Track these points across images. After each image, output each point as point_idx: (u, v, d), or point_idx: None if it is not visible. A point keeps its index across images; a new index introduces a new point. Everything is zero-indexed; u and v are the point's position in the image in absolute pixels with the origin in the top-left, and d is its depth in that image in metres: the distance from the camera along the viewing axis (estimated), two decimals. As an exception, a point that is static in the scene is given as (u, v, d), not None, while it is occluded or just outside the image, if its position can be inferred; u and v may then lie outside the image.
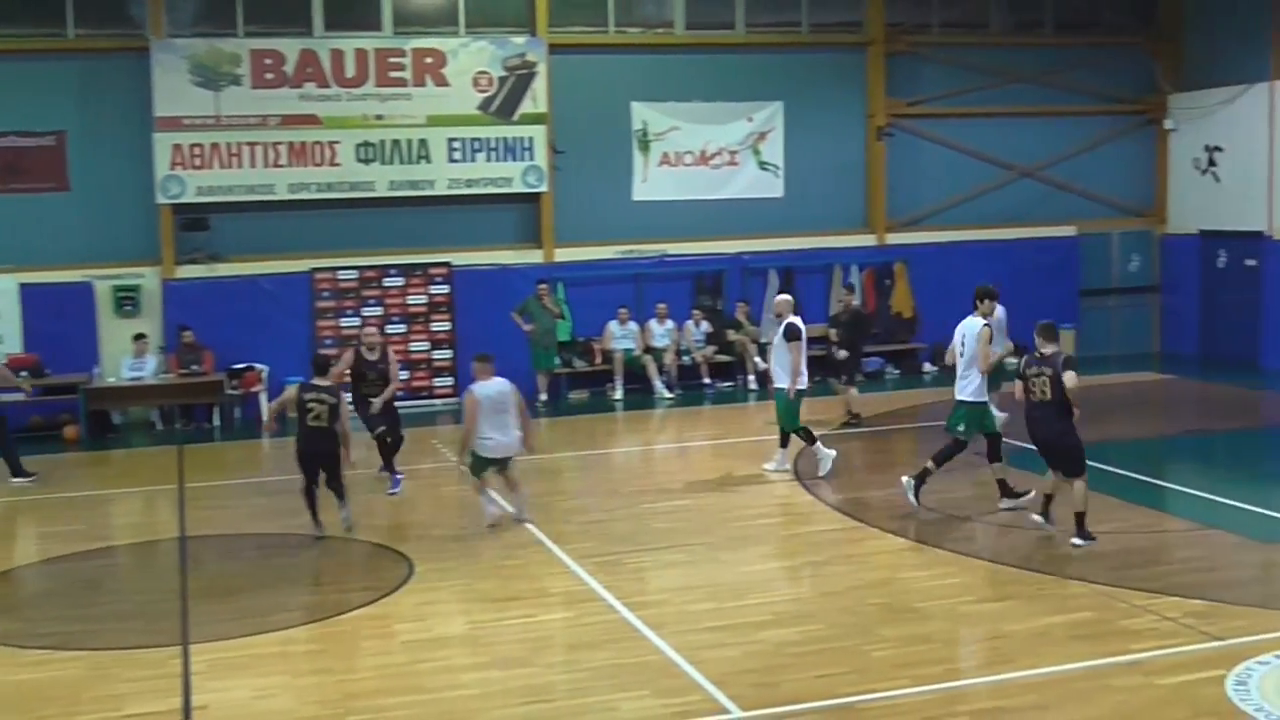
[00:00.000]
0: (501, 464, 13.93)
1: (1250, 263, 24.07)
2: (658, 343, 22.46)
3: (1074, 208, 25.59)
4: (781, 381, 15.68)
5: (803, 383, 15.60)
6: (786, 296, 16.29)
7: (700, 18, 23.48)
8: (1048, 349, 12.60)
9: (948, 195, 24.88)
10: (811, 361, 22.67)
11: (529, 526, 13.68)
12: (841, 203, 24.41)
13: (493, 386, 13.79)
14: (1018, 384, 12.86)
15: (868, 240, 24.48)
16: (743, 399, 22.02)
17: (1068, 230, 25.39)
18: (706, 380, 22.69)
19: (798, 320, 15.67)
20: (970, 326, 13.82)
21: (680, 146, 23.42)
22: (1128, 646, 9.71)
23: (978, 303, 13.93)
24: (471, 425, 13.62)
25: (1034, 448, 12.95)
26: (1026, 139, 25.20)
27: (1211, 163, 24.93)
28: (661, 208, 23.30)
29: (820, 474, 15.47)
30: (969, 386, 13.83)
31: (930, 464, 13.93)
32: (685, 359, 22.72)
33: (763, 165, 23.89)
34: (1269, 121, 23.46)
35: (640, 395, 21.93)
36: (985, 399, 14.00)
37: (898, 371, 23.84)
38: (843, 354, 19.29)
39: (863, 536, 13.15)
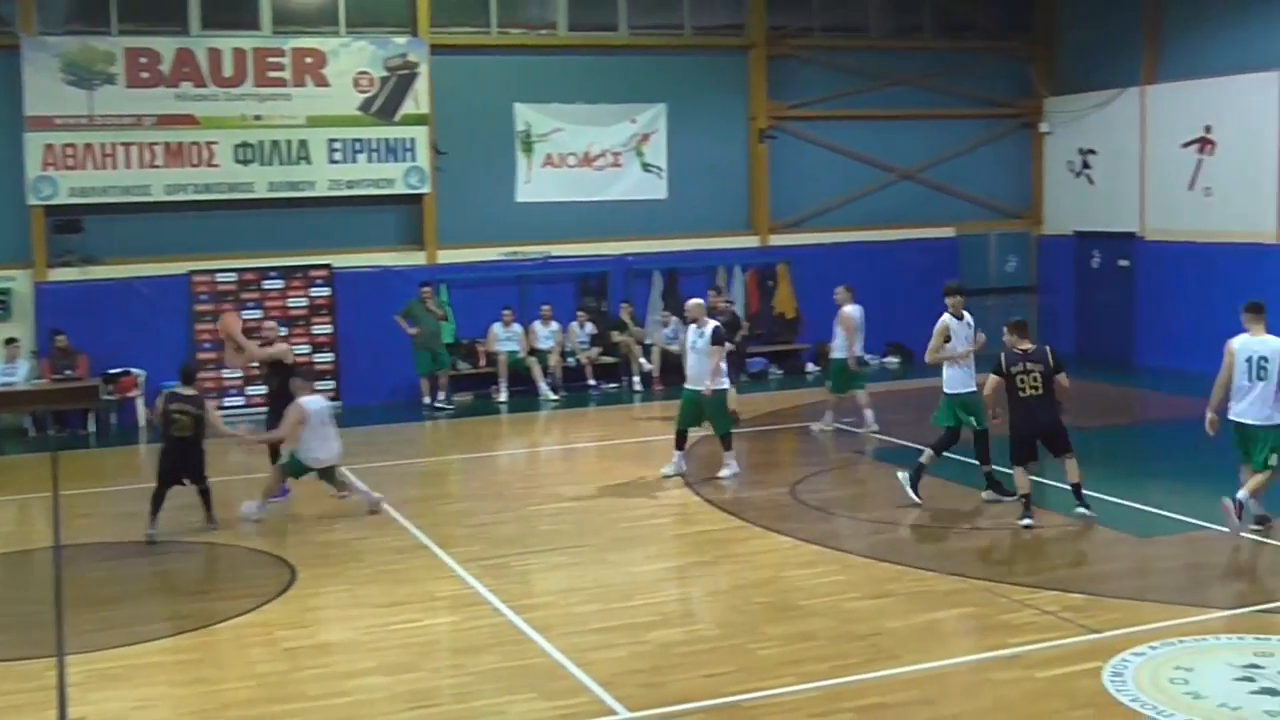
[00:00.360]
0: (326, 473, 14.52)
1: (1123, 263, 24.61)
2: (542, 344, 22.41)
3: (953, 209, 25.98)
4: (698, 384, 15.55)
5: (725, 383, 15.67)
6: (700, 300, 16.23)
7: (583, 19, 23.47)
8: (1025, 345, 13.22)
9: (830, 197, 25.13)
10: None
11: (413, 529, 13.57)
12: (724, 204, 24.55)
13: (317, 402, 14.56)
14: (992, 379, 13.22)
15: (750, 242, 24.64)
16: (628, 400, 22.05)
17: (947, 231, 25.78)
18: (591, 382, 22.69)
19: (717, 324, 15.82)
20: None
21: (564, 148, 23.39)
22: (1007, 640, 9.86)
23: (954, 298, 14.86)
24: (294, 434, 14.27)
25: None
26: (906, 141, 25.54)
27: (1086, 165, 25.45)
28: (545, 209, 23.25)
29: (721, 475, 15.52)
30: (951, 379, 14.54)
31: (926, 455, 14.33)
32: (570, 360, 22.70)
33: (646, 167, 23.94)
34: (1140, 125, 24.00)
35: (525, 397, 21.85)
36: (963, 390, 14.48)
37: (780, 372, 24.02)
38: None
39: (748, 536, 13.21)
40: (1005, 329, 13.49)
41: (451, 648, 10.27)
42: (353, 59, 21.76)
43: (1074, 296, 25.72)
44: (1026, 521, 13.01)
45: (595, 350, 22.87)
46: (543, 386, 21.93)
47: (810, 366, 23.65)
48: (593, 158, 23.61)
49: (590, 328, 22.96)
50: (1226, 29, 22.51)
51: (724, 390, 15.75)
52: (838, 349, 18.43)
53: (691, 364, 15.76)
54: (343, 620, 10.87)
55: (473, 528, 13.80)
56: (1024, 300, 26.47)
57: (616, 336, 22.91)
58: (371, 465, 16.87)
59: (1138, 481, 15.15)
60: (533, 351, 22.28)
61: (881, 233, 25.14)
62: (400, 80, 21.98)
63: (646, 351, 22.86)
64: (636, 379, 22.55)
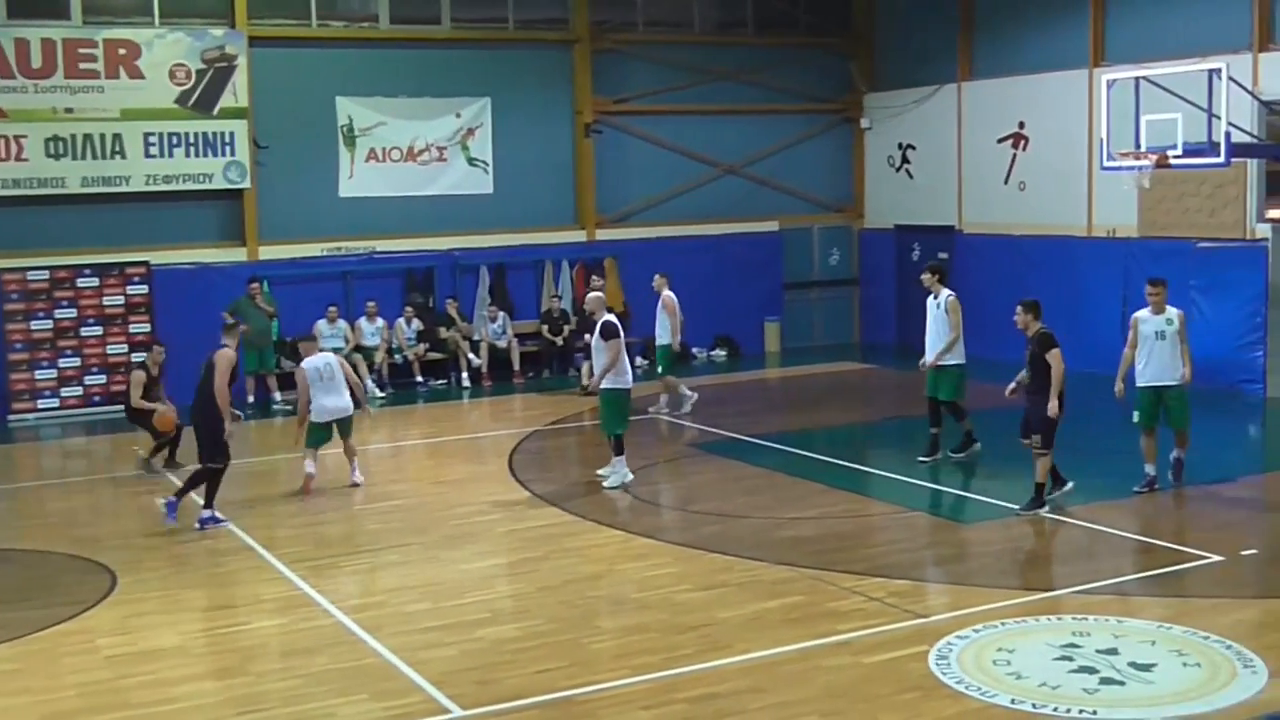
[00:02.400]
0: (342, 426, 15.33)
1: (942, 255, 25.14)
2: (368, 341, 22.14)
3: (777, 204, 26.31)
4: (608, 382, 14.84)
5: (627, 381, 14.82)
6: (599, 294, 15.78)
7: (405, 12, 23.23)
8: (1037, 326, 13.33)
9: (656, 191, 25.27)
10: (531, 357, 23.02)
11: (237, 531, 13.31)
12: (551, 199, 24.53)
13: (317, 359, 15.37)
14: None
15: (578, 236, 24.67)
16: (456, 397, 21.90)
17: (771, 226, 26.10)
18: (419, 378, 22.49)
19: (613, 317, 15.01)
20: (943, 296, 15.39)
21: (387, 142, 23.12)
22: (836, 627, 10.02)
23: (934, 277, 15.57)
24: (305, 397, 15.17)
25: None
26: (730, 136, 25.80)
27: (905, 160, 25.99)
28: (370, 204, 22.97)
29: (605, 483, 14.87)
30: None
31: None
32: (397, 357, 22.48)
33: (472, 161, 23.79)
34: (957, 121, 24.59)
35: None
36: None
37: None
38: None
39: (579, 530, 13.22)
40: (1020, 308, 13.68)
41: (280, 651, 10.08)
42: (168, 51, 21.22)
43: (895, 289, 26.23)
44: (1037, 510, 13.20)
45: (422, 347, 22.67)
46: (369, 384, 21.64)
47: (639, 360, 23.74)
48: (417, 152, 23.38)
49: (417, 324, 22.75)
50: (1038, 28, 23.16)
51: (617, 390, 14.77)
52: (663, 334, 18.88)
53: (594, 360, 15.28)
54: (167, 626, 10.60)
55: (300, 528, 13.58)
56: (846, 293, 26.98)
57: (444, 333, 22.74)
58: (194, 466, 16.41)
59: (958, 468, 15.52)
60: (358, 348, 21.99)
61: (707, 227, 25.36)
62: (218, 73, 21.51)
63: (475, 347, 22.74)
64: (465, 375, 22.42)
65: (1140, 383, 14.18)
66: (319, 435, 15.31)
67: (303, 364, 15.38)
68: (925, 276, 15.70)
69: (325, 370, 15.28)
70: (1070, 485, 13.52)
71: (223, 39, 21.54)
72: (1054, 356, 12.94)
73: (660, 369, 19.23)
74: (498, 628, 10.34)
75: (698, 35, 25.72)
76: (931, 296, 15.66)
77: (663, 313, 19.04)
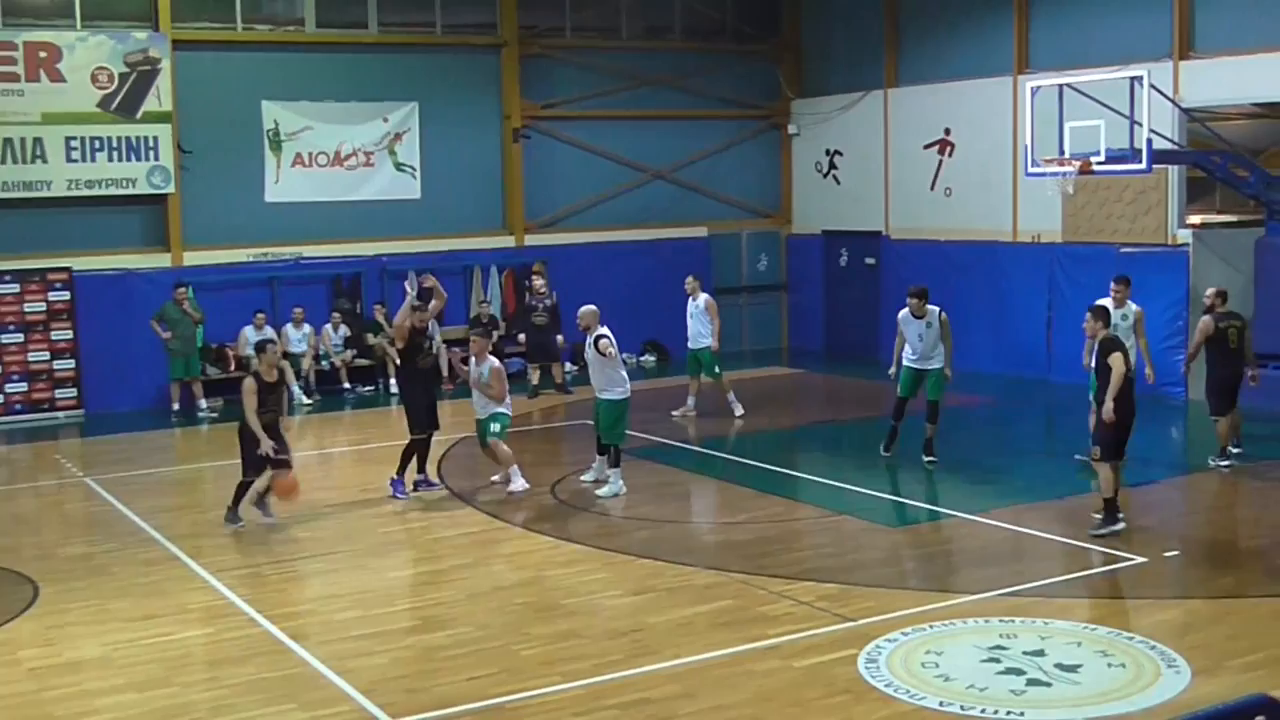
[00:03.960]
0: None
1: (870, 261, 25.35)
2: (295, 347, 21.95)
3: (705, 209, 26.39)
4: (606, 393, 14.75)
5: (627, 391, 14.69)
6: (592, 307, 15.27)
7: (331, 16, 23.07)
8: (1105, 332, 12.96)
9: (585, 197, 25.26)
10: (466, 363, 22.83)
11: (163, 540, 13.15)
12: (480, 204, 24.45)
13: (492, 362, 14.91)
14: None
15: (506, 242, 24.60)
16: (384, 403, 21.75)
17: (699, 231, 26.16)
18: (346, 385, 22.34)
19: (606, 330, 14.83)
20: (932, 316, 15.64)
21: (314, 147, 22.95)
22: (766, 632, 10.04)
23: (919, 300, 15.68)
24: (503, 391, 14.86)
25: None
26: (659, 142, 25.84)
27: (832, 166, 26.14)
28: (296, 209, 22.79)
29: (600, 492, 14.63)
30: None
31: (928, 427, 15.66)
32: (324, 363, 22.31)
33: (399, 166, 23.67)
34: (884, 127, 24.76)
35: (278, 402, 21.34)
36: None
37: (539, 371, 23.96)
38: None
39: (509, 537, 13.17)
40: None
41: (206, 660, 9.96)
42: (90, 54, 20.96)
43: (822, 294, 26.38)
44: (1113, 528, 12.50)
45: (350, 353, 22.52)
46: (296, 390, 21.46)
47: (569, 366, 23.68)
48: (344, 157, 23.23)
49: (344, 330, 22.59)
50: (964, 35, 23.38)
51: (618, 400, 14.68)
52: (703, 337, 19.24)
53: (591, 374, 15.10)
54: (90, 637, 10.44)
55: (226, 537, 13.43)
56: (774, 298, 27.08)
57: (371, 339, 22.59)
58: (119, 475, 16.28)
59: (885, 472, 15.63)
60: (285, 355, 21.76)
61: (636, 232, 25.39)
62: (141, 76, 21.26)
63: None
64: (393, 381, 22.25)
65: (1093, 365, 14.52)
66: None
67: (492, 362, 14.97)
68: (913, 302, 15.67)
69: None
70: (1121, 524, 12.63)
71: (146, 42, 21.30)
72: (1115, 360, 12.46)
73: (715, 370, 19.24)
74: (427, 635, 10.28)
75: (626, 41, 25.75)
76: (919, 318, 15.69)
77: (704, 315, 19.18)
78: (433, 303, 15.07)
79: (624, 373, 14.84)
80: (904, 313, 15.78)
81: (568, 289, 23.65)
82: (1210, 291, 15.87)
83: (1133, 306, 15.35)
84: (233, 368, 21.66)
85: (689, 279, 19.71)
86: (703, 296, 19.40)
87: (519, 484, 14.67)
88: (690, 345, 19.32)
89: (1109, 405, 12.40)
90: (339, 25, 23.17)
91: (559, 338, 21.80)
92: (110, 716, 8.78)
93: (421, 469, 14.97)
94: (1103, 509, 12.54)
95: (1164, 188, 19.93)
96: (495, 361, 14.92)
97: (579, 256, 24.49)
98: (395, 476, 14.85)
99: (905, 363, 15.87)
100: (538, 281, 22.15)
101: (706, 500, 14.80)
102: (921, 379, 15.80)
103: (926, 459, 15.62)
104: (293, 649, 9.97)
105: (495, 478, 15.19)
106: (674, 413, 19.22)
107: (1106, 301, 15.15)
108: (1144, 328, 15.51)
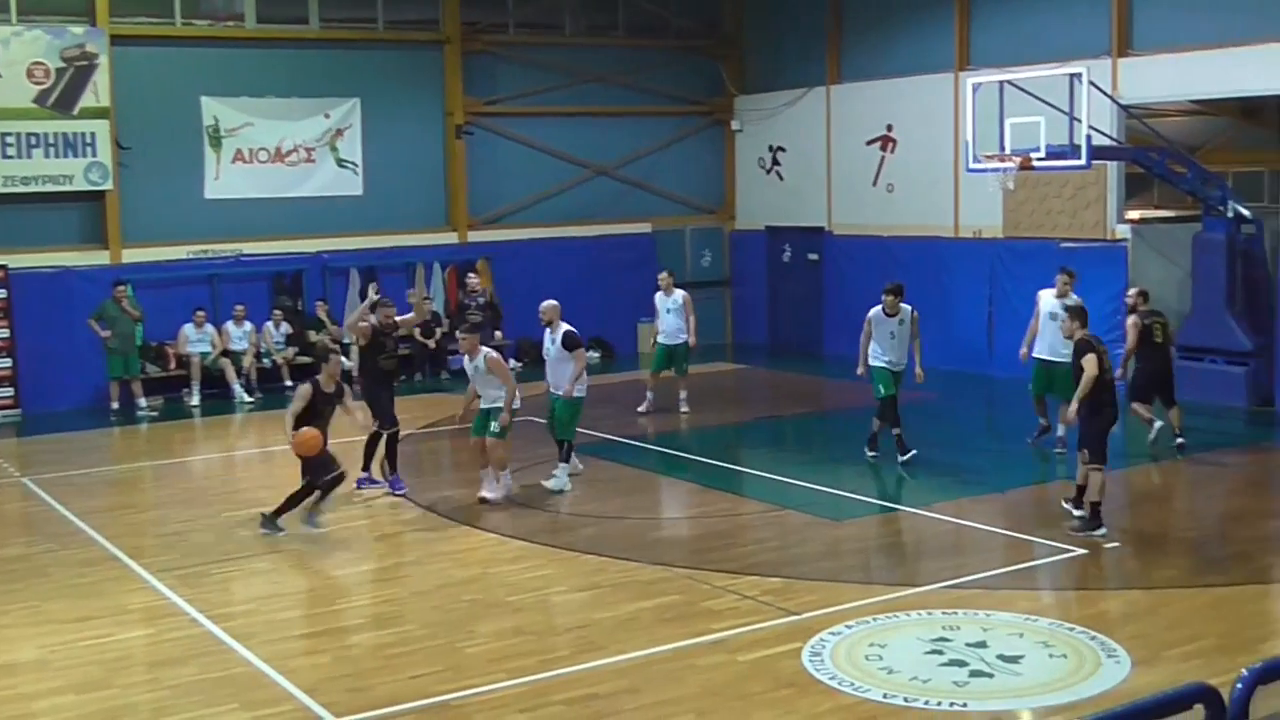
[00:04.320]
0: None
1: (812, 256, 25.43)
2: (236, 345, 21.77)
3: (649, 205, 26.40)
4: (556, 389, 14.84)
5: (581, 390, 14.75)
6: (554, 302, 15.28)
7: (272, 11, 22.90)
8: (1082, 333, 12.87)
9: (528, 193, 25.20)
10: (403, 360, 22.79)
11: (101, 540, 13.00)
12: (422, 200, 24.35)
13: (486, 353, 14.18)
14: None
15: (450, 238, 24.51)
16: (327, 401, 21.59)
17: (644, 227, 26.17)
18: (288, 382, 22.07)
19: (570, 327, 14.88)
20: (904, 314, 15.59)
21: (254, 143, 22.77)
22: (710, 626, 10.05)
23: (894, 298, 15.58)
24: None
25: None
26: (603, 138, 25.82)
27: (776, 162, 26.21)
28: (237, 206, 22.59)
29: (551, 486, 14.62)
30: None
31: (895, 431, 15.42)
32: (265, 361, 22.14)
33: (341, 163, 23.52)
34: (826, 123, 24.85)
35: (219, 400, 21.18)
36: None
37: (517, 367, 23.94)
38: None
39: (453, 534, 13.12)
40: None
41: (147, 661, 9.85)
42: (26, 49, 20.68)
43: (766, 290, 26.45)
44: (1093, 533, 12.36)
45: (291, 350, 22.35)
46: (237, 388, 21.32)
47: (513, 363, 23.63)
48: (285, 153, 23.06)
49: (286, 327, 22.42)
50: (905, 32, 23.50)
51: (580, 398, 14.81)
52: (680, 333, 19.10)
53: (549, 369, 15.12)
54: (28, 639, 10.30)
55: (166, 537, 13.31)
56: (718, 294, 27.10)
57: (313, 336, 22.42)
58: (56, 475, 16.08)
59: (829, 466, 15.69)
60: (226, 353, 21.63)
61: (580, 228, 25.35)
62: (78, 71, 21.02)
63: (345, 350, 22.44)
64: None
65: (1034, 354, 15.77)
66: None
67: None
68: (888, 299, 15.53)
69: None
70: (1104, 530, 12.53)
71: (83, 37, 21.05)
72: (1087, 362, 12.40)
73: (685, 366, 19.17)
74: (371, 634, 10.23)
75: (570, 37, 25.71)
76: (892, 316, 15.55)
77: (681, 310, 18.94)
78: (410, 314, 15.68)
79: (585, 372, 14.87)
80: (875, 311, 15.60)
81: (512, 285, 23.68)
82: (1132, 292, 16.50)
83: (1075, 299, 15.49)
84: (173, 366, 21.47)
85: (664, 274, 19.50)
86: (678, 292, 19.23)
87: (494, 491, 14.06)
88: (664, 340, 19.03)
89: (1074, 407, 12.46)
90: (280, 20, 23.00)
91: (497, 334, 21.67)
92: None
93: (367, 466, 14.87)
94: (1087, 511, 12.45)
95: (1103, 183, 20.11)
96: (490, 352, 14.30)
97: (523, 253, 24.43)
98: (364, 473, 14.73)
99: (875, 362, 15.61)
100: (473, 279, 22.01)
101: (652, 496, 14.81)
102: (898, 377, 15.69)
103: (903, 457, 15.35)
104: (235, 649, 9.89)
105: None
106: (640, 409, 19.09)
107: (1050, 292, 15.47)
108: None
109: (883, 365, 15.57)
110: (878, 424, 15.68)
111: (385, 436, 14.65)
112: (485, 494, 14.12)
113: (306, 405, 13.01)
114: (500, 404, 13.95)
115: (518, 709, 8.61)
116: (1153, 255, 19.95)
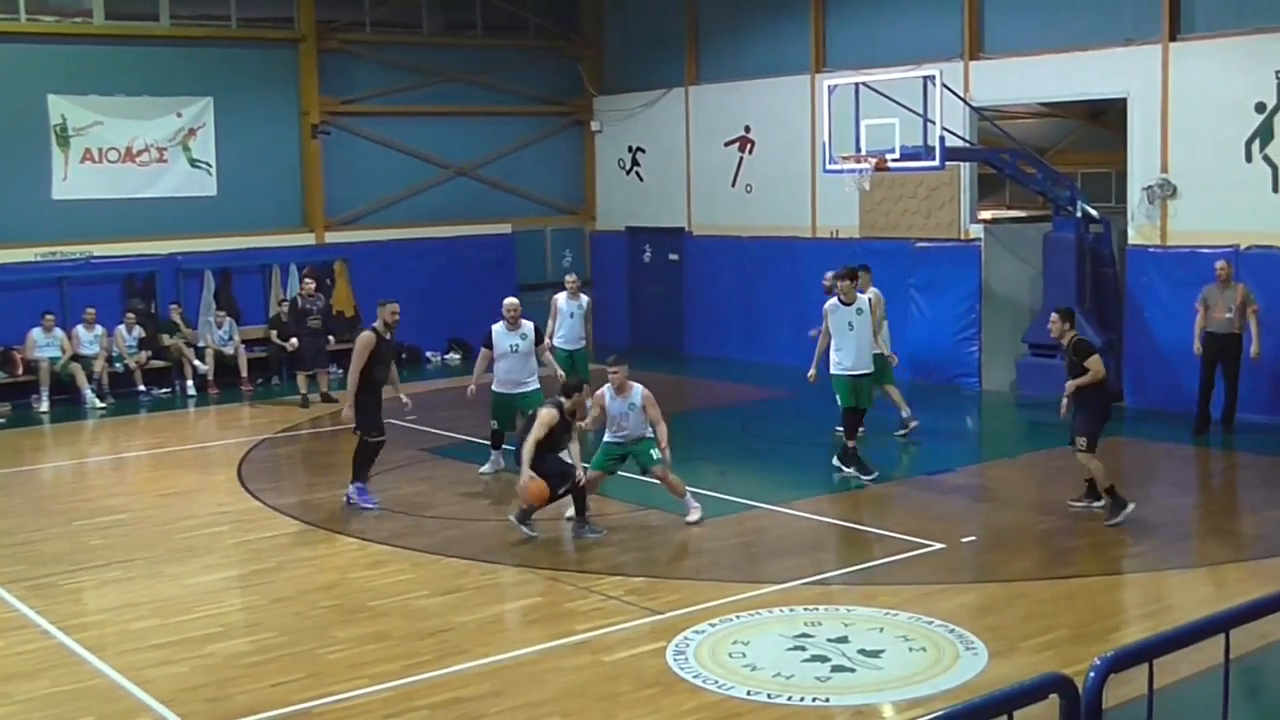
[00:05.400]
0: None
1: (673, 257, 25.56)
2: (86, 350, 21.24)
3: (509, 206, 26.32)
4: (513, 388, 15.35)
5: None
6: (515, 300, 15.61)
7: (121, 8, 22.39)
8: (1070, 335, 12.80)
9: (386, 193, 24.99)
10: (259, 363, 22.46)
11: (-53, 552, 12.63)
12: (278, 201, 24.00)
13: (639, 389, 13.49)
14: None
15: (306, 239, 24.20)
16: (181, 405, 21.21)
17: (504, 228, 26.08)
18: (141, 387, 21.67)
19: (535, 324, 15.56)
20: (862, 301, 14.81)
21: (104, 142, 22.25)
22: (574, 627, 10.05)
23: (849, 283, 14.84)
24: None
25: None
26: (462, 138, 25.69)
27: (635, 163, 26.29)
28: (86, 207, 22.06)
29: (481, 470, 15.45)
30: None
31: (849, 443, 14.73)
32: (117, 365, 21.63)
33: (194, 163, 23.09)
34: (685, 124, 24.99)
35: (69, 406, 20.65)
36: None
37: (341, 371, 23.61)
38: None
39: (312, 540, 12.95)
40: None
41: (-5, 676, 9.59)
42: None
43: (626, 290, 26.53)
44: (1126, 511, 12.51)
45: (145, 354, 21.88)
46: (88, 394, 20.80)
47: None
48: (136, 153, 22.57)
49: (139, 331, 21.93)
50: (762, 34, 23.70)
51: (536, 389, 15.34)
52: (575, 340, 18.15)
53: (509, 367, 15.17)
54: None
55: (14, 547, 12.93)
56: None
57: (167, 339, 22.00)
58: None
59: (691, 466, 15.71)
60: (76, 357, 21.09)
61: (439, 229, 25.19)
62: (-82, 68, 20.39)
63: (200, 354, 22.06)
64: (190, 383, 21.73)
65: (840, 370, 15.43)
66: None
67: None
68: (844, 284, 14.73)
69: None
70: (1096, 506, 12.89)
71: (-78, 33, 20.43)
72: (1094, 363, 12.43)
73: (585, 373, 18.78)
74: (229, 642, 10.04)
75: (427, 36, 25.53)
76: (848, 304, 14.70)
77: (586, 315, 18.40)
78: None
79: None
80: (830, 302, 14.78)
81: (371, 286, 23.40)
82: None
83: (874, 292, 15.83)
84: (20, 372, 20.87)
85: (571, 277, 18.95)
86: (584, 296, 18.71)
87: (696, 513, 13.15)
88: (564, 345, 17.88)
89: (1071, 384, 12.56)
90: (129, 17, 22.49)
91: (330, 338, 21.22)
92: (-109, 737, 8.41)
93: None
94: (1107, 499, 12.60)
95: (956, 184, 20.49)
96: (642, 389, 13.45)
97: (381, 254, 24.22)
98: (360, 484, 14.05)
99: (834, 370, 14.67)
100: (309, 284, 21.50)
101: (511, 498, 14.75)
102: (861, 384, 14.70)
103: (867, 477, 14.56)
104: (88, 660, 9.65)
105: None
106: None
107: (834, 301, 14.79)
108: (884, 311, 16.30)
109: (841, 373, 14.59)
110: (845, 439, 14.81)
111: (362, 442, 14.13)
112: (692, 518, 13.11)
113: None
114: (651, 434, 13.39)
115: (381, 715, 8.53)
116: (1005, 254, 20.39)
